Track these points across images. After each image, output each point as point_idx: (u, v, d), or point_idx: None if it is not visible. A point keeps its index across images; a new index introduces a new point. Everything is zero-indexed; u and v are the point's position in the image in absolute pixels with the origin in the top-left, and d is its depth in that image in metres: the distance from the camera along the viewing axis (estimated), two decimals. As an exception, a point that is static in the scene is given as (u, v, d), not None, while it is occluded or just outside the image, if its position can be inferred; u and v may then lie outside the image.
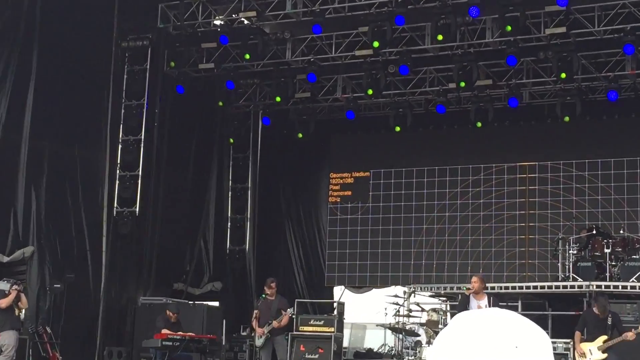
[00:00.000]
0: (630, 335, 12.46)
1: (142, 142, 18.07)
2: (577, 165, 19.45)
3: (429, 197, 20.69)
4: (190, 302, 18.37)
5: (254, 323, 15.34)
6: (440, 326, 15.69)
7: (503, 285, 17.31)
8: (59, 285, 16.28)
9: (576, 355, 13.96)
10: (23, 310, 14.82)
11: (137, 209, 17.87)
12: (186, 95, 19.31)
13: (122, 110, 18.12)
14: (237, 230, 21.70)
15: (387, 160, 21.23)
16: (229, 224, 21.71)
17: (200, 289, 20.04)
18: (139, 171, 18.01)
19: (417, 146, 21.03)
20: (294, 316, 16.26)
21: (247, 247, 21.58)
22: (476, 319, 1.32)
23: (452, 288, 17.88)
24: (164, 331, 15.40)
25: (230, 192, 21.83)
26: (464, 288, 13.53)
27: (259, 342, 15.22)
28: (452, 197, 20.48)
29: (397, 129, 19.99)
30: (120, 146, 18.04)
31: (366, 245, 21.03)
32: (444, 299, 18.57)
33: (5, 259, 15.78)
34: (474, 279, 12.91)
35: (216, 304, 19.55)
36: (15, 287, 14.10)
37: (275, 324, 15.12)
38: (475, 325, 1.28)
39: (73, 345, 16.22)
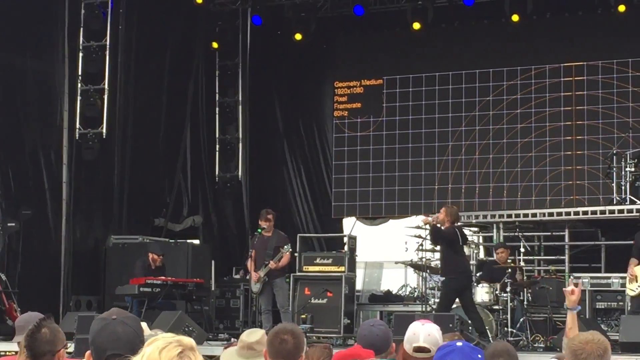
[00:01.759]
0: None
1: (108, 49, 17.79)
2: (634, 64, 19.19)
3: (455, 108, 20.52)
4: (171, 240, 18.29)
5: (249, 264, 15.26)
6: (472, 262, 15.57)
7: (547, 211, 17.25)
8: (13, 224, 16.20)
9: (627, 281, 13.96)
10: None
11: (105, 130, 17.68)
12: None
13: (82, 11, 17.81)
14: (228, 154, 21.56)
15: (403, 64, 21.01)
16: (217, 146, 21.57)
17: (181, 225, 19.96)
18: (104, 84, 17.77)
19: (439, 46, 20.78)
20: (296, 254, 16.16)
21: (239, 174, 21.48)
22: None
23: (484, 216, 17.78)
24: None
25: (217, 108, 21.64)
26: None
27: (255, 287, 15.19)
28: (483, 107, 20.30)
29: (416, 26, 19.70)
30: (81, 54, 17.76)
31: (380, 168, 20.93)
32: (476, 229, 18.50)
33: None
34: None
35: (198, 242, 19.51)
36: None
37: (272, 264, 15.04)
38: None
39: (33, 295, 16.17)
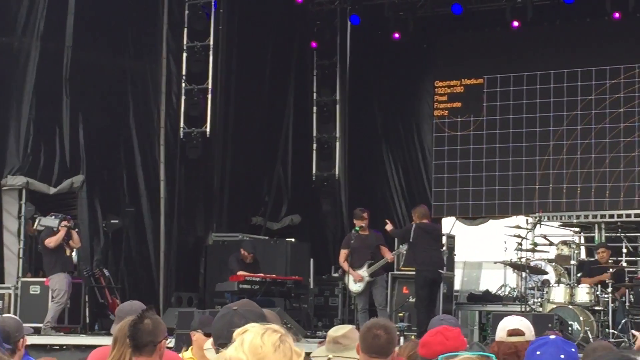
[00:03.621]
0: None
1: (211, 49, 18.02)
2: None
3: (557, 107, 20.28)
4: (270, 238, 18.45)
5: (345, 264, 15.30)
6: (572, 262, 15.43)
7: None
8: (116, 221, 16.51)
9: None
10: (75, 250, 15.07)
11: (208, 129, 17.91)
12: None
13: (186, 11, 18.08)
14: (325, 153, 21.64)
15: (504, 63, 20.84)
16: (315, 145, 21.66)
17: (279, 224, 20.10)
18: (207, 84, 18.01)
19: (540, 45, 20.56)
20: (394, 253, 16.13)
21: (336, 173, 21.54)
22: None
23: (586, 217, 17.58)
24: (241, 273, 15.51)
25: (315, 108, 21.73)
26: None
27: (356, 286, 15.19)
28: (586, 106, 20.03)
29: (516, 24, 19.57)
30: (185, 54, 18.03)
31: (480, 168, 20.79)
32: (577, 229, 18.29)
33: (52, 190, 16.00)
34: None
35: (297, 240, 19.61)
36: (64, 223, 14.31)
37: (390, 256, 15.14)
38: None
39: (135, 290, 16.46)
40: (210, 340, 4.31)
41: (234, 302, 13.28)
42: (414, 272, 15.10)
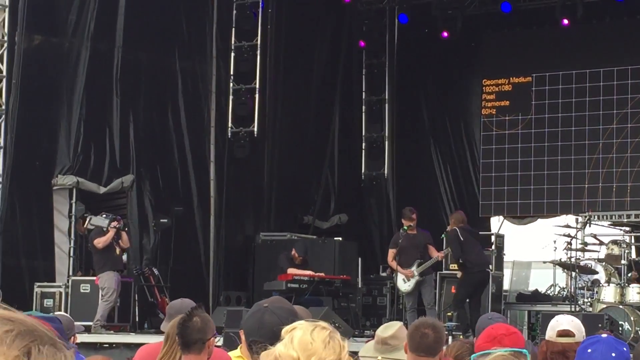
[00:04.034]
0: None
1: (259, 49, 18.07)
2: None
3: (607, 106, 20.10)
4: (318, 237, 18.47)
5: (394, 263, 15.30)
6: (622, 262, 15.29)
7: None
8: (165, 220, 16.61)
9: None
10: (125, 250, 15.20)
11: (256, 129, 17.97)
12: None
13: (234, 11, 18.15)
14: (374, 152, 21.63)
15: (552, 61, 20.69)
16: (364, 144, 21.67)
17: (328, 223, 20.11)
18: (255, 83, 18.06)
19: (589, 43, 20.42)
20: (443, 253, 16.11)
21: (385, 172, 21.51)
22: None
23: (636, 216, 17.41)
24: (290, 271, 15.54)
25: (364, 107, 21.74)
26: None
27: (406, 286, 15.18)
28: (636, 104, 19.84)
29: (566, 22, 19.43)
30: (233, 54, 18.10)
31: (529, 167, 20.66)
32: (627, 228, 18.13)
33: (102, 190, 16.13)
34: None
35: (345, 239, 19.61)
36: (114, 224, 14.43)
37: (440, 255, 15.16)
38: None
39: (184, 289, 16.50)
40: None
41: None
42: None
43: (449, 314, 14.62)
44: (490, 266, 15.16)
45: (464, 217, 15.33)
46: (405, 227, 15.26)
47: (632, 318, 13.89)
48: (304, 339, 3.02)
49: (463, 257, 14.64)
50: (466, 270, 14.61)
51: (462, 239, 14.60)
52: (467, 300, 14.86)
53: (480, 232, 19.64)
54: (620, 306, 14.17)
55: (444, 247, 15.67)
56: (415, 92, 22.16)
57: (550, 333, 5.36)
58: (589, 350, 4.01)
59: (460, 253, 14.66)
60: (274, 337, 3.41)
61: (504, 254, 17.27)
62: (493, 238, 17.31)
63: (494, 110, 21.29)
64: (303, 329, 3.06)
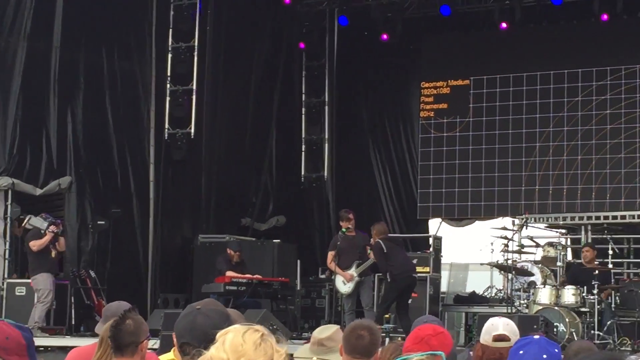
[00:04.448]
0: None
1: (196, 50, 17.99)
2: None
3: (543, 109, 20.29)
4: (257, 239, 18.44)
5: (332, 265, 15.33)
6: (558, 264, 15.45)
7: (636, 213, 17.01)
8: (103, 222, 16.46)
9: None
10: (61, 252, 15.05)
11: (193, 130, 17.89)
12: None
13: (171, 12, 18.04)
14: (313, 154, 21.63)
15: (490, 64, 20.85)
16: (304, 146, 21.65)
17: (266, 225, 20.10)
18: (192, 85, 17.97)
19: (527, 46, 20.58)
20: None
21: (325, 174, 21.52)
22: None
23: (572, 218, 17.62)
24: (228, 273, 15.50)
25: (303, 109, 21.72)
26: None
27: (346, 287, 15.22)
28: (572, 108, 20.05)
29: (504, 25, 19.65)
30: (170, 55, 18.00)
31: (467, 169, 20.79)
32: (563, 231, 18.32)
33: (39, 192, 15.95)
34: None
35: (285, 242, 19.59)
36: (52, 228, 14.28)
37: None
38: None
39: (122, 292, 16.35)
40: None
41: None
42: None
43: (387, 315, 14.66)
44: (415, 273, 15.20)
45: (386, 228, 15.40)
46: (344, 230, 15.30)
47: (567, 319, 14.04)
48: (235, 341, 3.03)
49: (389, 267, 14.69)
50: (393, 276, 14.67)
51: (385, 250, 14.68)
52: (394, 304, 14.92)
53: (418, 235, 19.83)
54: (556, 308, 14.31)
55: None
56: (355, 95, 22.20)
57: (486, 337, 5.38)
58: (521, 352, 4.04)
59: (386, 264, 14.71)
60: (206, 340, 3.39)
61: (442, 256, 17.37)
62: (431, 240, 17.39)
63: (433, 112, 21.39)
64: (235, 332, 3.07)
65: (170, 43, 18.03)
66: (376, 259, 14.84)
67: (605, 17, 18.99)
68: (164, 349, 8.09)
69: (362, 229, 15.71)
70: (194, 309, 4.06)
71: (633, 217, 16.77)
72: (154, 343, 11.32)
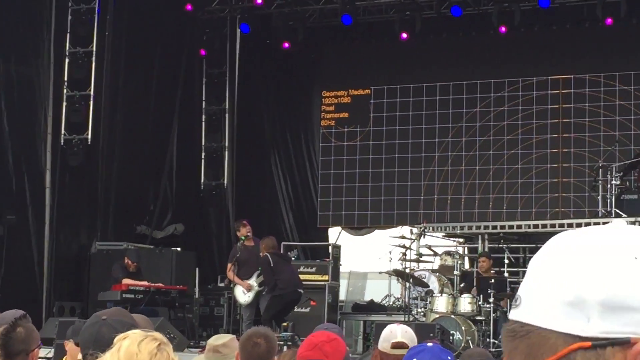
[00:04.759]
0: None
1: (94, 55, 17.79)
2: (621, 77, 19.24)
3: (442, 119, 20.53)
4: (156, 247, 18.29)
5: (231, 275, 15.29)
6: (455, 272, 15.62)
7: (531, 223, 17.27)
8: (-4, 229, 16.17)
9: None
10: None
11: (90, 136, 17.67)
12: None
13: (69, 17, 17.81)
14: (213, 162, 21.54)
15: (391, 74, 21.02)
16: (203, 154, 21.55)
17: (162, 232, 19.94)
18: (90, 90, 17.76)
19: (427, 57, 20.81)
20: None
21: (225, 182, 21.44)
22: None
23: (469, 227, 17.83)
24: (125, 281, 15.34)
25: (204, 116, 21.61)
26: None
27: (245, 297, 15.17)
28: (470, 119, 20.31)
29: (405, 36, 19.77)
30: (67, 60, 17.76)
31: (367, 178, 20.92)
32: (461, 240, 18.53)
33: None
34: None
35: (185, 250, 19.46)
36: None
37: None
38: None
39: (16, 300, 16.04)
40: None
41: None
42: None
43: (285, 323, 14.67)
44: (301, 288, 15.23)
45: (275, 243, 15.38)
46: (243, 238, 15.28)
47: (463, 328, 14.20)
48: (131, 350, 2.98)
49: (275, 281, 14.71)
50: (279, 290, 14.69)
51: (272, 264, 14.71)
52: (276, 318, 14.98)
53: (317, 243, 19.88)
54: (452, 316, 14.47)
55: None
56: (256, 102, 22.16)
57: (384, 344, 5.41)
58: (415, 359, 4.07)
59: (272, 278, 14.72)
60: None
61: (341, 265, 17.44)
62: (330, 249, 17.45)
63: (334, 121, 21.49)
64: (132, 339, 3.02)
65: (67, 48, 17.78)
66: (263, 272, 14.82)
67: (503, 29, 19.29)
68: (58, 357, 7.98)
69: (261, 237, 15.70)
70: (99, 318, 3.99)
71: (529, 226, 17.04)
72: (48, 352, 11.15)
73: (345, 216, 21.00)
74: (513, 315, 1.32)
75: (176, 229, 20.26)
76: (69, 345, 6.24)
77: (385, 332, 5.50)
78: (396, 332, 5.45)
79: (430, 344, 4.23)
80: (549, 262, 1.31)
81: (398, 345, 5.36)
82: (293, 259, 16.36)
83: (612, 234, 1.30)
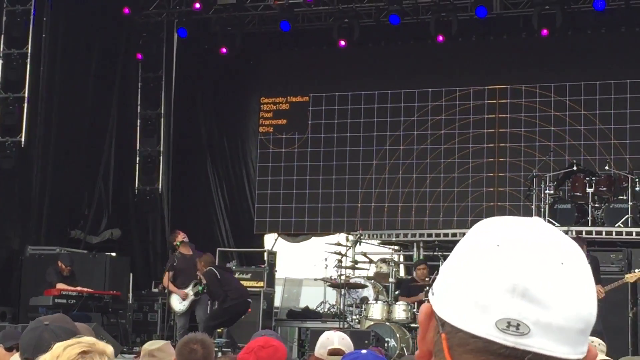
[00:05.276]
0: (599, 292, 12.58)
1: (29, 57, 17.60)
2: (556, 89, 19.47)
3: (380, 127, 20.61)
4: (89, 252, 18.14)
5: (167, 283, 15.24)
6: (390, 279, 15.70)
7: (467, 231, 17.40)
8: None
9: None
10: None
11: (23, 139, 17.47)
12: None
13: (4, 18, 17.61)
14: (148, 167, 21.38)
15: (329, 82, 21.07)
16: (138, 158, 21.39)
17: (98, 237, 19.78)
18: (24, 92, 17.56)
19: (365, 65, 20.88)
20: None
21: (160, 187, 21.31)
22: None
23: (405, 235, 17.91)
24: (59, 286, 15.19)
25: (139, 121, 21.46)
26: None
27: (181, 306, 15.13)
28: (408, 127, 20.42)
29: (343, 43, 19.79)
30: (1, 61, 17.55)
31: (304, 185, 20.94)
32: (396, 247, 18.62)
33: None
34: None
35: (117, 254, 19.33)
36: None
37: None
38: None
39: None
40: (16, 355, 4.19)
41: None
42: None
43: (219, 330, 14.63)
44: (249, 297, 15.22)
45: (213, 259, 15.42)
46: (178, 243, 15.23)
47: (397, 335, 14.28)
48: (55, 352, 2.99)
49: (225, 292, 14.63)
50: (230, 301, 14.61)
51: (219, 277, 14.67)
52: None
53: (252, 249, 19.88)
54: (387, 323, 14.54)
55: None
56: (193, 108, 22.06)
57: (321, 351, 5.43)
58: (348, 366, 4.08)
59: (222, 290, 14.65)
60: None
61: (276, 271, 17.43)
62: (265, 255, 17.43)
63: (272, 128, 21.48)
64: (62, 344, 3.03)
65: (1, 49, 17.57)
66: (210, 286, 14.72)
67: (440, 38, 19.41)
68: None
69: (196, 243, 15.66)
70: (41, 324, 3.97)
71: (463, 234, 17.13)
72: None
73: (282, 223, 21.00)
74: (520, 344, 1.34)
75: (113, 234, 20.11)
76: (0, 351, 6.17)
77: (322, 339, 5.52)
78: (333, 339, 5.47)
79: (364, 351, 4.25)
80: (553, 285, 1.35)
81: (335, 352, 5.38)
82: (232, 269, 16.34)
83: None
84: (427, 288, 15.03)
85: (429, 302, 1.42)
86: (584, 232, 14.97)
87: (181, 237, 15.24)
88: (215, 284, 14.62)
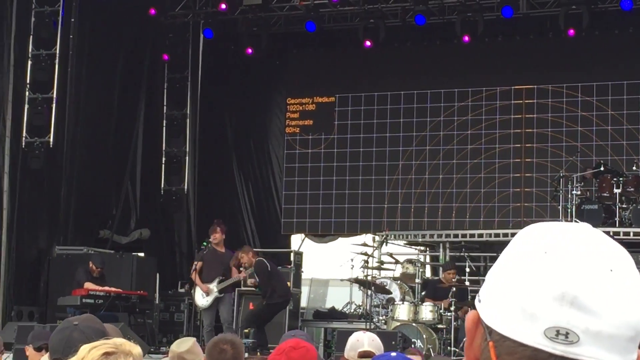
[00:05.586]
0: None
1: (57, 58, 17.69)
2: (583, 89, 19.40)
3: (406, 128, 20.59)
4: (116, 252, 18.22)
5: (194, 275, 15.26)
6: (417, 280, 15.68)
7: (493, 232, 17.37)
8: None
9: None
10: None
11: (52, 140, 17.56)
12: (110, 1, 18.91)
13: (32, 19, 17.70)
14: (174, 167, 21.46)
15: (355, 82, 21.06)
16: (164, 159, 21.47)
17: (128, 237, 19.85)
18: (53, 93, 17.65)
19: (391, 66, 20.86)
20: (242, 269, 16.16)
21: (186, 187, 21.38)
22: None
23: (431, 236, 17.91)
24: (87, 285, 15.27)
25: (165, 121, 21.54)
26: None
27: (204, 301, 15.15)
28: (434, 128, 20.39)
29: (368, 44, 19.81)
30: (30, 62, 17.65)
31: (330, 186, 20.94)
32: (422, 248, 18.60)
33: None
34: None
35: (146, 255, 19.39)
36: None
37: (242, 274, 15.13)
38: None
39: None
40: (46, 355, 4.22)
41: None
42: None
43: (247, 330, 14.66)
44: (290, 297, 15.27)
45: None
46: (206, 242, 15.29)
47: (424, 336, 14.27)
48: (81, 354, 3.02)
49: (272, 286, 14.64)
50: (277, 298, 14.61)
51: (270, 268, 14.66)
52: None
53: (279, 249, 19.91)
54: (414, 324, 14.53)
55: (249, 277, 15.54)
56: (219, 108, 22.13)
57: (351, 353, 5.42)
58: (379, 369, 4.09)
59: (269, 284, 14.64)
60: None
61: (302, 272, 17.44)
62: (292, 255, 17.45)
63: (298, 129, 21.49)
64: (85, 348, 3.06)
65: (30, 50, 17.67)
66: (259, 277, 14.69)
67: (466, 39, 19.39)
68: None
69: (224, 243, 15.71)
70: (70, 324, 4.00)
71: (490, 235, 17.15)
72: (7, 357, 11.09)
73: (309, 223, 21.01)
74: (569, 352, 1.34)
75: (142, 234, 20.18)
76: (29, 351, 6.22)
77: (352, 340, 5.50)
78: (363, 341, 5.45)
79: (394, 354, 4.25)
80: (602, 291, 1.35)
81: (365, 355, 5.37)
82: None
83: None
84: (454, 289, 15.03)
85: (475, 308, 1.43)
86: (611, 233, 14.89)
87: (215, 237, 15.28)
88: (265, 275, 14.61)
